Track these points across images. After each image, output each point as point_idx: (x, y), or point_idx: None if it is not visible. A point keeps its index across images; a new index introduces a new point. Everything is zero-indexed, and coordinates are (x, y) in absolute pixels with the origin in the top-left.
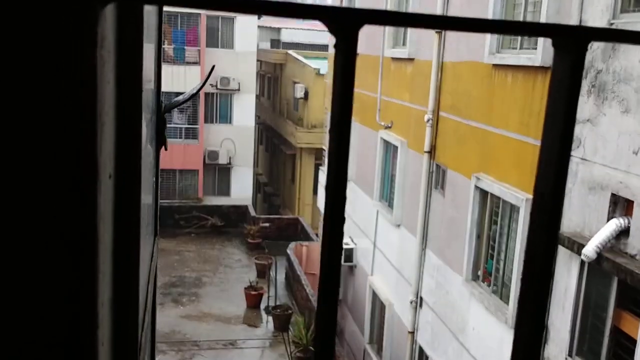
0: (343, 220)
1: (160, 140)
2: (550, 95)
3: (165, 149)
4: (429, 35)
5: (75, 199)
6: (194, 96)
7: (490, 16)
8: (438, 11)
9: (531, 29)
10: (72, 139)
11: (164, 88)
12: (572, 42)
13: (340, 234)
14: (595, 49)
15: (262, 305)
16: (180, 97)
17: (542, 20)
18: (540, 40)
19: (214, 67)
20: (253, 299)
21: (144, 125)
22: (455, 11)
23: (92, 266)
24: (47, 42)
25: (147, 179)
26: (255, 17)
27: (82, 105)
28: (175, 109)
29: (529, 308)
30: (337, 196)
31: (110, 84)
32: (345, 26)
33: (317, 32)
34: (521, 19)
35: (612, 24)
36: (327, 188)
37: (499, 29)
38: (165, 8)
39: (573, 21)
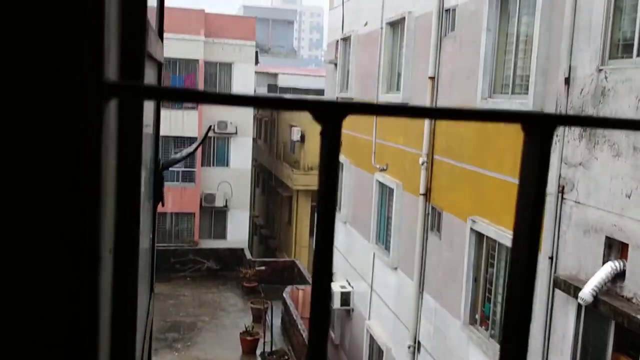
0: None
1: (157, 197)
2: (521, 176)
3: (162, 205)
4: (423, 80)
5: (78, 277)
6: (191, 154)
7: (481, 63)
8: (431, 57)
9: (500, 116)
10: (76, 222)
11: (162, 133)
12: (539, 127)
13: (329, 265)
14: (586, 94)
15: (258, 351)
16: (178, 155)
17: (533, 66)
18: (532, 85)
19: (210, 127)
20: (249, 345)
21: (142, 185)
22: (447, 58)
23: (93, 343)
24: (54, 135)
25: (145, 236)
26: (253, 62)
27: (87, 193)
28: (173, 153)
29: (511, 347)
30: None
31: (111, 168)
32: (330, 116)
33: (312, 78)
34: (512, 66)
35: (600, 69)
36: (314, 265)
37: (472, 117)
38: (164, 54)
39: (563, 67)
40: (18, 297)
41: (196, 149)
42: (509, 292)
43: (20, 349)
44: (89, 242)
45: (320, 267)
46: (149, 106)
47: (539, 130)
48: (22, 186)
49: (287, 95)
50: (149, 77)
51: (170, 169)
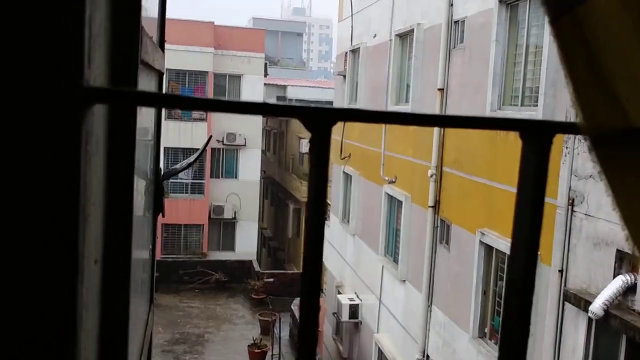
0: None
1: (157, 208)
2: (520, 184)
3: (163, 216)
4: (432, 92)
5: (57, 286)
6: (192, 165)
7: (490, 75)
8: (440, 69)
9: (499, 124)
10: (54, 231)
11: (172, 144)
12: (538, 135)
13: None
14: None
15: None
16: (178, 166)
17: (542, 77)
18: (542, 96)
19: (210, 137)
20: (256, 357)
21: (142, 194)
22: (456, 70)
23: (72, 350)
24: (32, 140)
25: (144, 247)
26: (262, 74)
27: (64, 200)
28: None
29: (508, 356)
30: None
31: (98, 174)
32: (320, 123)
33: (321, 89)
34: (521, 77)
35: None
36: (303, 276)
37: (468, 124)
38: (173, 66)
39: None
40: None
41: (196, 159)
42: (506, 301)
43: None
44: (67, 252)
45: (309, 277)
46: (148, 116)
47: (537, 138)
48: None
49: (273, 101)
50: (148, 85)
51: (179, 180)
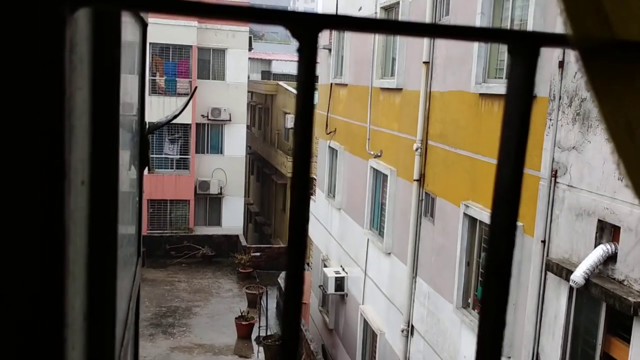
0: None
1: (143, 161)
2: (506, 100)
3: (149, 171)
4: (417, 66)
5: (43, 202)
6: (177, 117)
7: (478, 14)
8: (425, 42)
9: (485, 34)
10: (38, 142)
11: (156, 118)
12: (525, 46)
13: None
14: (579, 77)
15: (254, 336)
16: (163, 119)
17: (530, 20)
18: None
19: (196, 88)
20: (244, 329)
21: (128, 145)
22: (441, 43)
23: (59, 269)
24: (11, 46)
25: (129, 194)
26: (246, 49)
27: (49, 109)
28: (167, 140)
29: (489, 319)
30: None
31: (83, 90)
32: (307, 30)
33: None
34: (505, 50)
35: None
36: (293, 178)
37: (453, 34)
38: (157, 41)
39: (557, 51)
40: None
41: (181, 111)
42: (487, 260)
43: None
44: (52, 165)
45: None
46: (132, 80)
47: (525, 48)
48: None
49: (258, 77)
50: (133, 35)
51: (165, 156)
